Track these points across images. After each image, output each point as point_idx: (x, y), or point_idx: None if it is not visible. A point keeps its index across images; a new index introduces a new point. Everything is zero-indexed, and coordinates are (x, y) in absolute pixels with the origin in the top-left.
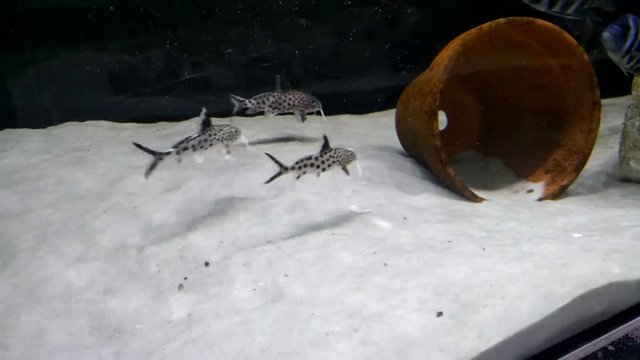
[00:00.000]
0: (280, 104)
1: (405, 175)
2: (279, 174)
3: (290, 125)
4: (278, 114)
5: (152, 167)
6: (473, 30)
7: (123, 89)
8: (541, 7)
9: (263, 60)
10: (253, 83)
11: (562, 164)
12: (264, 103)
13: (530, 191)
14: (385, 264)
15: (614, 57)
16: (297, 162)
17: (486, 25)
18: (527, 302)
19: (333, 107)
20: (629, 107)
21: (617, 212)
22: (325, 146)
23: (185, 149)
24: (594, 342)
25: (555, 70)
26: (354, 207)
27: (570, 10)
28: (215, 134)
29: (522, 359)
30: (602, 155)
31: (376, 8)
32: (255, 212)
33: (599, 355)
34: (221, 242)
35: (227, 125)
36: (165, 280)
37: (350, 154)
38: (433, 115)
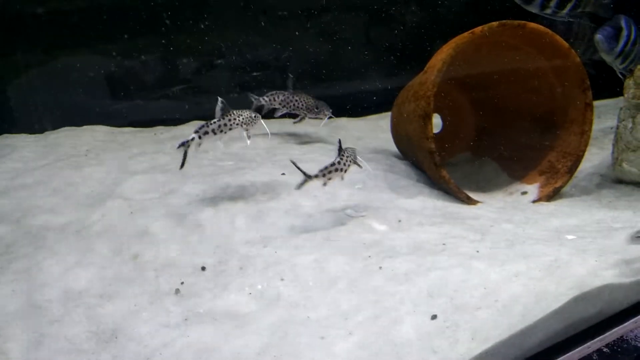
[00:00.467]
0: (287, 103)
1: (400, 178)
2: (305, 181)
3: (285, 128)
4: (284, 114)
5: (184, 156)
6: (466, 33)
7: (120, 94)
8: (533, 9)
9: (260, 64)
10: (250, 87)
11: (556, 166)
12: (274, 100)
13: (524, 193)
14: (380, 267)
15: (607, 58)
16: (321, 170)
17: (479, 28)
18: (521, 304)
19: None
20: (621, 109)
21: (610, 213)
22: (341, 149)
23: (206, 133)
24: (588, 344)
25: (547, 73)
26: (349, 211)
27: (563, 13)
28: (235, 119)
29: None
30: (596, 156)
31: (373, 10)
32: (251, 216)
33: (593, 357)
34: (217, 247)
35: (247, 111)
36: (162, 284)
37: (355, 150)
38: (427, 119)
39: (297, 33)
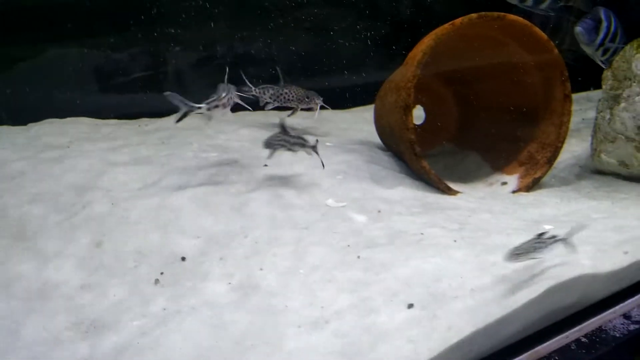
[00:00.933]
0: (277, 97)
1: (381, 169)
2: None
3: (271, 120)
4: (275, 108)
5: (183, 116)
6: (446, 25)
7: (105, 85)
8: (512, 0)
9: (247, 57)
10: (236, 80)
11: (535, 157)
12: (264, 94)
13: (504, 184)
14: (358, 257)
15: (588, 50)
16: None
17: (458, 20)
18: (497, 293)
19: None
20: (599, 100)
21: (588, 203)
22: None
23: (216, 106)
24: (566, 334)
25: (527, 65)
26: (329, 201)
27: (543, 6)
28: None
29: (493, 351)
30: (577, 147)
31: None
32: (233, 207)
33: (572, 347)
34: (198, 237)
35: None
36: (141, 275)
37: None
38: (407, 110)
39: (283, 25)
